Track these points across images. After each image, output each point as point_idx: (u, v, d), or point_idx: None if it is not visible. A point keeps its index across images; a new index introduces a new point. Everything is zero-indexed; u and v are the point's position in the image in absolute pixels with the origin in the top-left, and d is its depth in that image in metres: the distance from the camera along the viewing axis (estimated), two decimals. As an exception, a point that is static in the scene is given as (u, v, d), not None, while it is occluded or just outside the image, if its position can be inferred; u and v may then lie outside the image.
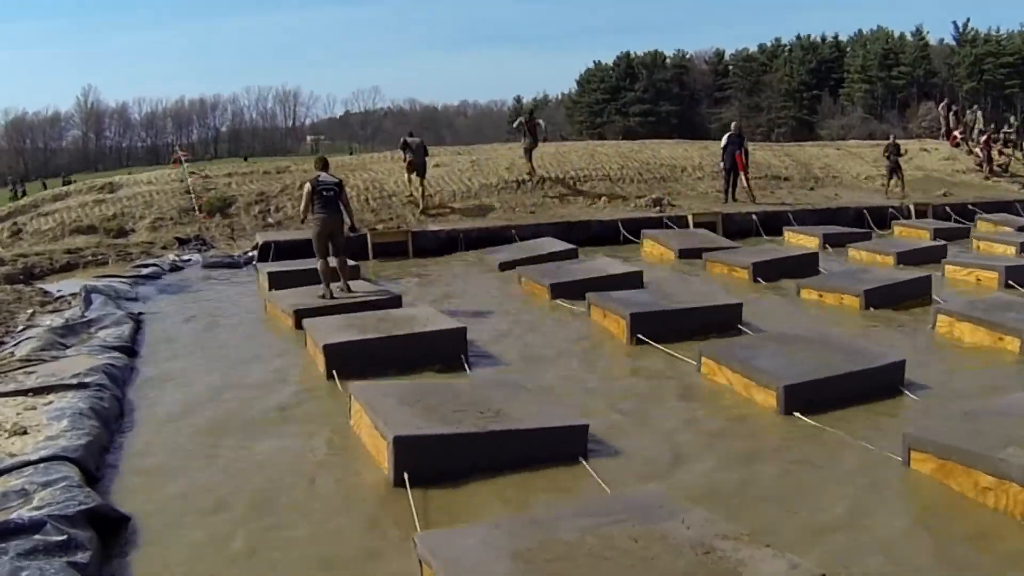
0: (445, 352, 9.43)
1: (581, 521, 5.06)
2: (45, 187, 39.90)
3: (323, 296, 11.72)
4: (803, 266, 14.38)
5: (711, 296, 11.88)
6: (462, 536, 5.00)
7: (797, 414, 7.56)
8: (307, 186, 11.92)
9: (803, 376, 7.95)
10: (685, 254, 16.38)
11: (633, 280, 13.18)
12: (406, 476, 6.18)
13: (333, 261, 11.95)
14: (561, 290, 12.74)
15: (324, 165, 12.27)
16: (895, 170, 24.54)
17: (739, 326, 10.72)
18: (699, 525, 5.01)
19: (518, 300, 13.18)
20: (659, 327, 10.25)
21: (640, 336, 10.13)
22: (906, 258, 15.63)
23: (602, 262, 14.64)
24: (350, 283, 12.14)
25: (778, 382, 7.80)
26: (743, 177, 22.16)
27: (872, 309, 11.70)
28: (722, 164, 22.17)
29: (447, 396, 7.38)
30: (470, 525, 5.26)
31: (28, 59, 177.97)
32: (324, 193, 11.78)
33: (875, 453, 6.75)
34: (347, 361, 8.94)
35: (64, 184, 30.57)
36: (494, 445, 6.62)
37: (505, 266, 15.40)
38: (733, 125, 23.43)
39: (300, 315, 10.80)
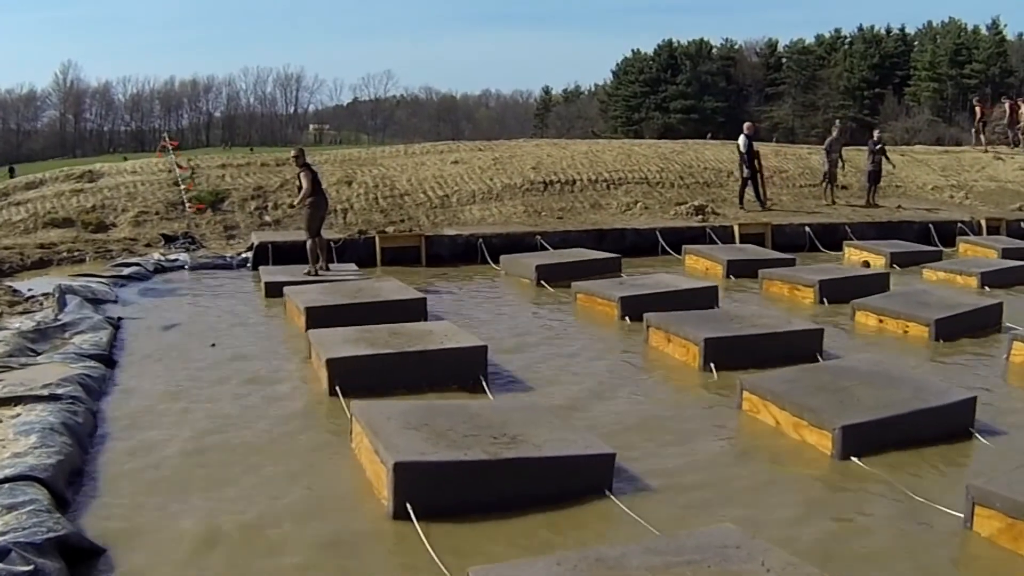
0: (462, 373, 9.40)
1: (651, 560, 5.04)
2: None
3: (309, 273, 14.54)
4: (873, 287, 14.05)
5: (784, 320, 11.62)
6: (522, 572, 5.00)
7: (854, 458, 7.44)
8: (309, 174, 14.70)
9: (862, 416, 7.79)
10: (735, 269, 16.32)
11: (706, 297, 13.19)
12: (409, 507, 6.15)
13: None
14: (631, 306, 12.54)
15: (304, 155, 15.33)
16: (876, 175, 24.14)
17: (818, 355, 10.61)
18: (780, 568, 4.97)
19: (567, 316, 13.23)
20: (736, 355, 10.19)
21: (713, 365, 10.03)
22: (991, 279, 15.53)
23: (667, 277, 14.55)
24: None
25: (833, 422, 7.65)
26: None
27: (942, 341, 11.53)
28: (747, 169, 22.51)
29: (458, 418, 7.34)
30: (529, 560, 5.22)
31: (0, 30, 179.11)
32: (319, 180, 15.16)
33: (932, 508, 6.58)
34: (353, 377, 8.96)
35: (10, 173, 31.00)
36: (507, 475, 6.58)
37: (544, 275, 15.38)
38: (747, 126, 23.55)
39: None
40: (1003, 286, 15.28)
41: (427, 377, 9.23)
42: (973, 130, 34.00)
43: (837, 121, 25.64)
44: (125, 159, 29.24)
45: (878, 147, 23.94)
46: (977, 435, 8.06)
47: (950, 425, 8.07)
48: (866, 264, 16.81)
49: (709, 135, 46.92)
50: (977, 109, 34.02)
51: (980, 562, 5.96)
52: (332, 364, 9.07)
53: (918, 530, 6.31)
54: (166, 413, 8.51)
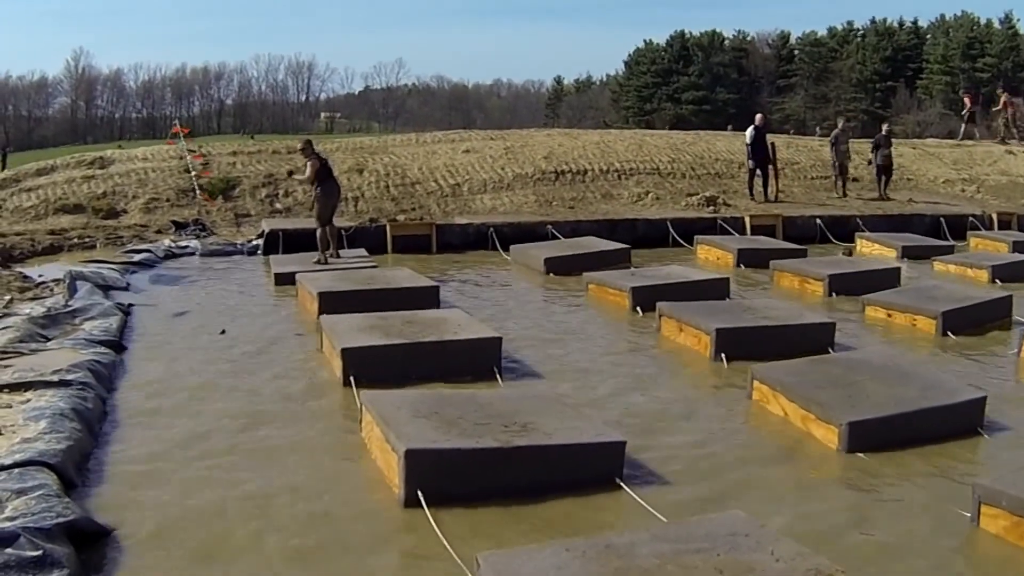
0: (476, 364, 9.35)
1: (660, 547, 5.03)
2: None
3: (318, 261, 14.28)
4: (884, 281, 13.94)
5: (797, 312, 11.57)
6: (531, 558, 4.97)
7: (860, 454, 7.40)
8: (316, 162, 14.35)
9: (869, 412, 7.73)
10: (746, 260, 16.31)
11: (718, 288, 13.19)
12: (420, 495, 6.15)
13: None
14: (643, 296, 12.49)
15: (312, 146, 14.95)
16: (887, 168, 23.90)
17: (830, 348, 10.53)
18: (789, 558, 4.96)
19: (578, 306, 13.18)
20: (747, 346, 10.14)
21: (724, 355, 10.02)
22: (1002, 272, 15.45)
23: (678, 268, 14.58)
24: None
25: (840, 417, 7.61)
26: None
27: (951, 336, 11.42)
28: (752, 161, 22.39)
29: (469, 407, 7.34)
30: (538, 547, 5.20)
31: (12, 17, 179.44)
32: (330, 168, 14.89)
33: (940, 506, 6.53)
34: (367, 367, 8.91)
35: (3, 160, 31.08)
36: (518, 463, 6.58)
37: (554, 266, 15.38)
38: (759, 118, 23.42)
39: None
40: (1014, 280, 15.17)
41: (441, 367, 9.18)
42: (964, 124, 34.10)
43: (840, 119, 25.58)
44: (120, 147, 29.15)
45: (876, 148, 23.89)
46: (985, 433, 7.98)
47: (959, 424, 7.97)
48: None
49: (729, 127, 46.57)
50: (965, 100, 34.06)
51: (986, 559, 5.92)
52: (347, 354, 9.02)
53: (924, 527, 6.26)
54: (176, 399, 8.52)
